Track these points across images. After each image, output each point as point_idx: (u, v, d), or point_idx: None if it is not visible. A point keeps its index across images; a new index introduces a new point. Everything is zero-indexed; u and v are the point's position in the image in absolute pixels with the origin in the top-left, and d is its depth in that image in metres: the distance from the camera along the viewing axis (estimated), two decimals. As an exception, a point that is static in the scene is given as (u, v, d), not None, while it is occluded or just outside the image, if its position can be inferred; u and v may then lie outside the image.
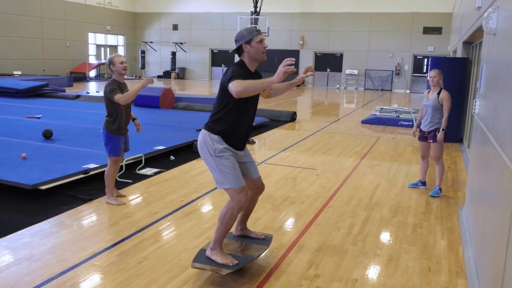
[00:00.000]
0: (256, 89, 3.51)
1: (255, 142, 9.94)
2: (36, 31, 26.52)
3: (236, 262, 3.79)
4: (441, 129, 6.31)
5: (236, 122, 3.72)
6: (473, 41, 10.83)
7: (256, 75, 3.84)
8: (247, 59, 3.76)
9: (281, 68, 3.36)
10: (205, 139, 3.77)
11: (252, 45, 3.69)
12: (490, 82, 4.34)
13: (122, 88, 5.44)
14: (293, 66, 3.33)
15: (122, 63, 5.38)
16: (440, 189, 6.47)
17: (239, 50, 3.77)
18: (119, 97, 5.27)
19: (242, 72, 3.65)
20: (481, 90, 5.03)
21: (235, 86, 3.44)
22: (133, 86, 5.33)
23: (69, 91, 19.90)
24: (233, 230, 4.38)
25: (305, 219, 5.36)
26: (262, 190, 4.20)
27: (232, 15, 30.83)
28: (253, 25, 26.08)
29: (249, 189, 4.07)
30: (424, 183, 6.79)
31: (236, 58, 3.86)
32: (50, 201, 5.65)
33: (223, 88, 3.66)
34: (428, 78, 6.52)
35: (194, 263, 3.83)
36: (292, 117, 13.56)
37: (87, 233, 4.75)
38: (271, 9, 29.59)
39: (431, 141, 6.43)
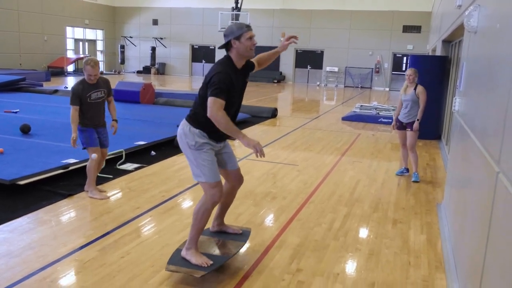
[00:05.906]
0: (225, 130, 3.59)
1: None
2: (12, 24, 26.04)
3: (211, 262, 3.73)
4: (416, 119, 7.03)
5: None
6: (452, 40, 10.96)
7: (241, 72, 3.76)
8: (234, 55, 3.67)
9: (254, 148, 3.58)
10: (185, 131, 3.73)
11: (241, 41, 3.61)
12: (471, 80, 4.40)
13: (89, 89, 5.55)
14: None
15: (90, 75, 5.46)
16: (418, 173, 7.20)
17: (227, 45, 3.68)
18: (72, 111, 5.56)
19: (228, 72, 3.58)
20: (461, 88, 5.10)
21: (212, 109, 3.51)
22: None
23: (47, 85, 19.61)
24: (210, 226, 4.36)
25: (286, 215, 5.38)
26: (241, 183, 4.15)
27: (213, 10, 30.74)
28: (235, 21, 26.00)
29: (227, 181, 4.06)
30: (407, 170, 7.43)
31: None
32: (29, 196, 5.57)
33: (207, 87, 3.59)
34: (405, 75, 7.26)
35: (169, 265, 3.74)
36: (273, 114, 13.57)
37: (67, 229, 4.69)
38: (252, 5, 29.57)
39: (409, 129, 7.14)
